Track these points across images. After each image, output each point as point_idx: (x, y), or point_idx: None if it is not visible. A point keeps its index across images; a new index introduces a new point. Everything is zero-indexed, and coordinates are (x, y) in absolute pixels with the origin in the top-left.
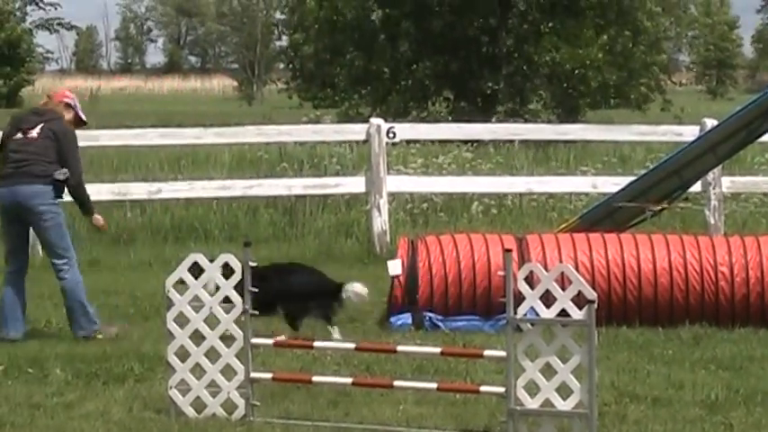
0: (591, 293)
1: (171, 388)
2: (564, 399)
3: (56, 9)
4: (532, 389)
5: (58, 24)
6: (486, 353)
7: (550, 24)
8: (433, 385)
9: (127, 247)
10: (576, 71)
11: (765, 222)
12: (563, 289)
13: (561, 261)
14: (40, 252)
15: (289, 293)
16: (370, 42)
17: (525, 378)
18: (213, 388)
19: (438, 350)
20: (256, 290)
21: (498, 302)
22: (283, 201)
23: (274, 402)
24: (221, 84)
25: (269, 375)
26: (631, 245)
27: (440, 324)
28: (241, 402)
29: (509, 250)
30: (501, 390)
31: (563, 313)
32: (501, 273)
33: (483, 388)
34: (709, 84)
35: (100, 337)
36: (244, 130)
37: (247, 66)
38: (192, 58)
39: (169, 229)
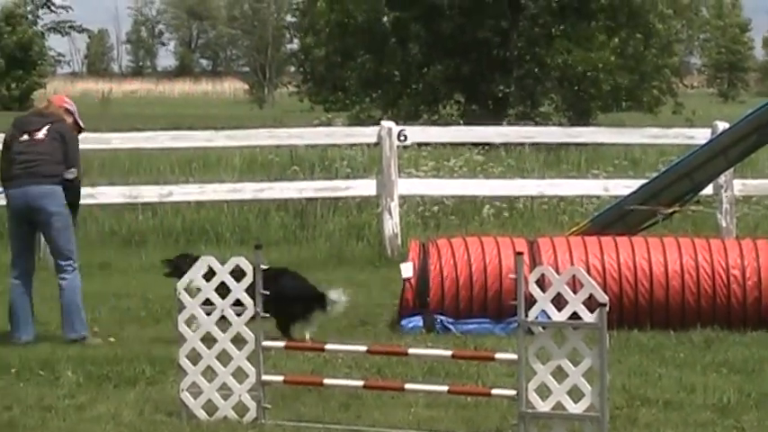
0: (602, 296)
1: (182, 391)
2: (575, 402)
3: (67, 12)
4: (544, 392)
5: (70, 27)
6: (498, 356)
7: (561, 27)
8: (445, 388)
9: (138, 250)
10: (588, 74)
11: None
12: (574, 292)
13: (572, 264)
14: (47, 254)
15: (279, 299)
16: (380, 45)
17: (536, 381)
18: (224, 391)
19: (449, 353)
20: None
21: (509, 305)
22: (294, 204)
23: (285, 405)
24: (232, 87)
25: (280, 378)
26: (643, 248)
27: (451, 327)
28: (252, 405)
29: (520, 253)
30: (512, 393)
31: (574, 316)
32: (512, 276)
33: (494, 391)
34: (720, 87)
35: (86, 343)
36: (255, 132)
37: (258, 69)
38: (204, 62)
39: (180, 232)
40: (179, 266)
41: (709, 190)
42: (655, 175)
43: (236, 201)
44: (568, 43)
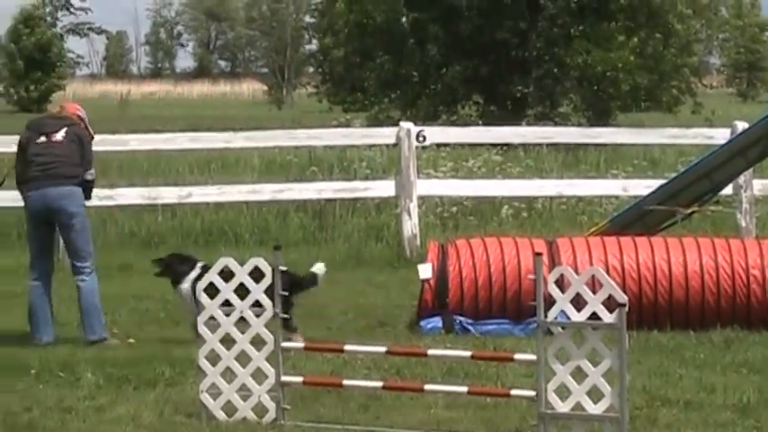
0: (622, 297)
1: (202, 392)
2: (595, 402)
3: (86, 14)
4: (563, 392)
5: (89, 29)
6: (517, 356)
7: (581, 28)
8: (464, 389)
9: (158, 251)
10: (607, 74)
11: None
12: (594, 292)
13: (592, 264)
14: (65, 254)
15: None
16: (399, 46)
17: (556, 381)
18: (244, 392)
19: (468, 354)
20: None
21: (529, 306)
22: (313, 204)
23: (305, 406)
24: (251, 88)
25: (299, 379)
26: (662, 248)
27: (470, 327)
28: (272, 406)
29: (539, 254)
30: (531, 393)
31: (594, 316)
32: (531, 276)
33: (513, 391)
34: (739, 86)
35: (106, 344)
36: (273, 134)
37: (277, 70)
38: (222, 63)
39: (199, 233)
40: (170, 266)
41: (728, 190)
42: (674, 175)
43: (255, 202)
44: (587, 43)
